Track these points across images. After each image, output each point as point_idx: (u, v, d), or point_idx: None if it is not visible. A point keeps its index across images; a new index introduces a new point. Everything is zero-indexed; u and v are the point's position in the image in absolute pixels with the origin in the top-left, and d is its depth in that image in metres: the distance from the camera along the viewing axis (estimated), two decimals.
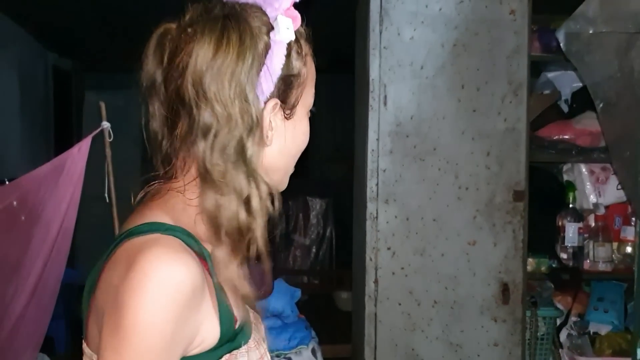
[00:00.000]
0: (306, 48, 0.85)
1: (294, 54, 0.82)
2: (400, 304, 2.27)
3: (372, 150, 2.26)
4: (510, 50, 2.24)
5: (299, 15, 0.81)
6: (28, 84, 4.87)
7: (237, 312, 0.81)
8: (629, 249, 2.47)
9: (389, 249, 2.27)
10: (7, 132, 4.49)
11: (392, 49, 2.24)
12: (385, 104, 2.25)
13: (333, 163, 6.05)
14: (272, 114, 0.82)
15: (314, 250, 5.24)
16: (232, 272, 0.79)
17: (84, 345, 0.83)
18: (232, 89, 0.77)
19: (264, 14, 0.81)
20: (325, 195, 5.37)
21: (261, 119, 0.81)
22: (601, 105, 1.90)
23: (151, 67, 0.83)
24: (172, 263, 0.72)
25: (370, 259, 2.26)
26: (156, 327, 0.69)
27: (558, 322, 2.48)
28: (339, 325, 3.96)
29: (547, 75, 2.65)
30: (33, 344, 2.64)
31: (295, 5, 0.82)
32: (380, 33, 2.24)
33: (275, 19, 0.80)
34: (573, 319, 2.50)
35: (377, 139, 2.26)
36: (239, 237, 0.78)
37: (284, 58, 0.80)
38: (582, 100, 2.44)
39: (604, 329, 2.45)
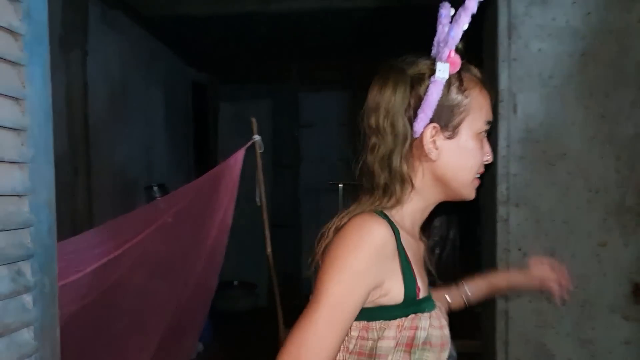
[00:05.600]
0: (471, 84, 1.08)
1: (453, 89, 1.06)
2: (530, 302, 2.40)
3: (503, 155, 2.41)
4: (639, 58, 2.30)
5: (458, 61, 1.04)
6: (172, 98, 5.37)
7: (422, 286, 1.06)
8: None
9: (519, 249, 2.40)
10: (156, 141, 5.00)
11: (521, 61, 2.37)
12: (515, 112, 2.39)
13: None
14: (434, 136, 1.07)
15: (437, 251, 5.38)
16: (417, 252, 1.08)
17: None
18: (385, 119, 1.07)
19: (433, 62, 1.06)
20: None
21: (420, 138, 1.07)
22: None
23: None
24: (372, 222, 1.02)
25: (501, 259, 2.41)
26: (357, 255, 0.99)
27: None
28: (463, 321, 4.07)
29: None
30: (195, 328, 3.03)
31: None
32: (509, 46, 2.38)
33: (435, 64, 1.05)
34: None
35: (508, 145, 2.40)
36: None
37: (440, 93, 1.04)
38: None
39: None
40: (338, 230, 1.06)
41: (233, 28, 4.94)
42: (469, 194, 1.13)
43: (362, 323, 1.03)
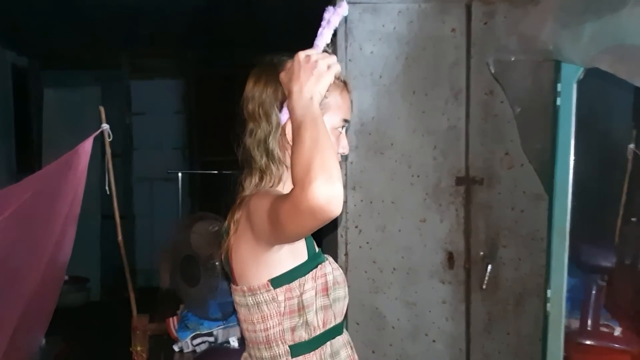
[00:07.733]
0: (333, 86, 1.31)
1: None
2: (366, 272, 2.75)
3: None
4: (451, 62, 2.74)
5: None
6: None
7: (314, 242, 1.33)
8: None
9: (356, 227, 2.74)
10: None
11: (355, 62, 2.69)
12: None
13: None
14: None
15: None
16: None
17: (234, 288, 1.32)
18: (259, 108, 1.31)
19: None
20: None
21: (284, 127, 1.30)
22: (519, 110, 2.50)
23: None
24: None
25: (341, 236, 2.73)
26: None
27: None
28: None
29: None
30: (44, 322, 2.98)
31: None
32: (346, 48, 2.69)
33: None
34: None
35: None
36: None
37: None
38: None
39: None
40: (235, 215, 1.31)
41: (56, 9, 4.70)
42: None
43: (285, 287, 1.25)
